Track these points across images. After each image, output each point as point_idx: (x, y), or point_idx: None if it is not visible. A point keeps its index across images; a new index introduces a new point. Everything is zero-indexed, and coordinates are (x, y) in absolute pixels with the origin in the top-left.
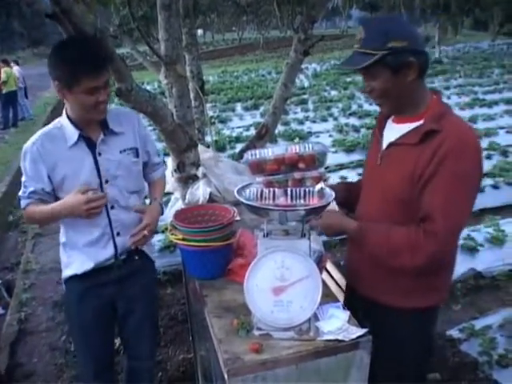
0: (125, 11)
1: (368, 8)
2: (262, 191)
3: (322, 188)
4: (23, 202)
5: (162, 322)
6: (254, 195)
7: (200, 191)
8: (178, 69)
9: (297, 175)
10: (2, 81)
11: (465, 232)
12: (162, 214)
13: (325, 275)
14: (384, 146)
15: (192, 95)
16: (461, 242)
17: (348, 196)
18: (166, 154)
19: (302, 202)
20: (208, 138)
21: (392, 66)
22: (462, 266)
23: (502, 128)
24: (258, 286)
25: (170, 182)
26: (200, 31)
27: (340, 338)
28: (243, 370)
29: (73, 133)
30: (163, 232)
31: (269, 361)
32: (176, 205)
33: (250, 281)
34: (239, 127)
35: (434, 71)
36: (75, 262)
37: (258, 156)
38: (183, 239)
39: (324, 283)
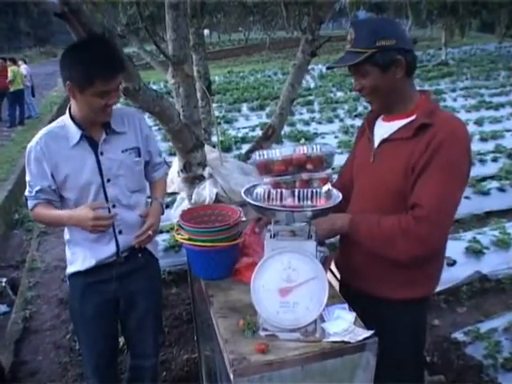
0: (132, 11)
1: (374, 9)
2: (269, 192)
3: (329, 189)
4: (30, 203)
5: (167, 322)
6: (261, 196)
7: (206, 191)
8: (186, 69)
9: (304, 176)
10: (9, 79)
11: (470, 235)
12: (163, 213)
13: (329, 275)
14: (376, 143)
15: (199, 95)
16: (466, 244)
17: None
18: (173, 154)
19: (310, 203)
20: (214, 138)
21: (380, 63)
22: (467, 268)
23: (508, 131)
24: (265, 287)
25: (176, 181)
26: (206, 31)
27: (346, 339)
28: (249, 371)
29: (75, 132)
30: (168, 232)
31: (275, 361)
32: (182, 205)
33: (257, 281)
34: (245, 128)
35: (441, 73)
36: (78, 259)
37: (265, 157)
38: (189, 239)
39: (330, 284)
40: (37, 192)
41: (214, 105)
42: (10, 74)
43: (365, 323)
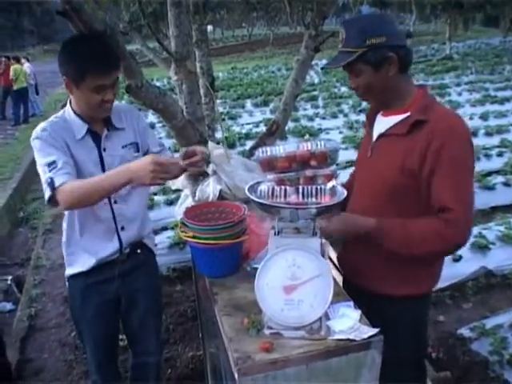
0: (134, 8)
1: (378, 4)
2: (273, 189)
3: (333, 186)
4: (59, 179)
5: (172, 319)
6: (264, 193)
7: (210, 188)
8: (188, 65)
9: (308, 173)
10: (11, 78)
11: (476, 230)
12: None
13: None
14: (374, 138)
15: (202, 91)
16: (472, 239)
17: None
18: (177, 151)
19: (314, 200)
20: (218, 135)
21: (372, 62)
22: (472, 264)
23: None
24: (269, 285)
25: (180, 178)
26: (210, 27)
27: (351, 337)
28: (253, 370)
29: (81, 126)
30: (173, 228)
31: (279, 360)
32: (186, 202)
33: (261, 279)
34: (249, 124)
35: (445, 68)
36: (78, 260)
37: (269, 153)
38: (193, 237)
39: (334, 281)
40: (63, 164)
41: (218, 101)
42: (11, 73)
43: (368, 319)
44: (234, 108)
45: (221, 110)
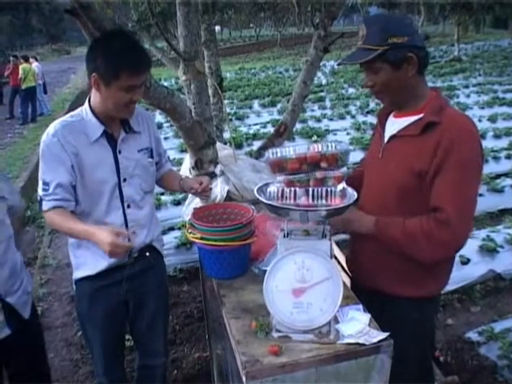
0: (143, 7)
1: (386, 5)
2: (282, 190)
3: (344, 188)
4: (46, 204)
5: (178, 320)
6: (274, 194)
7: (218, 189)
8: (197, 65)
9: (319, 175)
10: (20, 77)
11: (484, 233)
12: None
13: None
14: (386, 139)
15: (210, 92)
16: (480, 242)
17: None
18: (184, 151)
19: (324, 202)
20: (226, 135)
21: (392, 61)
22: (481, 267)
23: None
24: (278, 287)
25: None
26: (217, 28)
27: (361, 341)
28: (262, 373)
29: (97, 128)
30: (180, 229)
31: (288, 364)
32: (193, 202)
33: (270, 282)
34: (256, 124)
35: (453, 69)
36: (86, 263)
37: (278, 154)
38: (201, 238)
39: (344, 285)
40: (54, 188)
41: (226, 101)
42: (20, 72)
43: (376, 321)
44: (241, 108)
45: (228, 110)
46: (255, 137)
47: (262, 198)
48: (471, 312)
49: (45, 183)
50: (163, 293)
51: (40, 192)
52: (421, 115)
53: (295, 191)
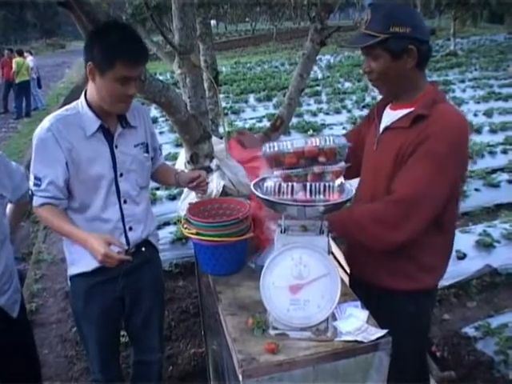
0: (138, 0)
1: None
2: (279, 185)
3: (342, 183)
4: (37, 200)
5: (174, 316)
6: (271, 189)
7: (213, 184)
8: (192, 58)
9: (316, 169)
10: (13, 71)
11: (480, 228)
12: None
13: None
14: (380, 131)
15: (206, 85)
16: (476, 237)
17: None
18: (179, 145)
19: (322, 197)
20: (222, 129)
21: (392, 50)
22: (477, 262)
23: None
24: (275, 284)
25: None
26: (213, 22)
27: (359, 339)
28: (258, 372)
29: (93, 122)
30: (175, 223)
31: (285, 362)
32: (189, 197)
33: (266, 278)
34: (252, 118)
35: (449, 64)
36: (82, 259)
37: (275, 149)
38: (196, 234)
39: (342, 281)
40: (47, 185)
41: (221, 95)
42: (14, 66)
43: (374, 315)
44: (237, 103)
45: (224, 104)
46: (251, 131)
47: (258, 193)
48: (468, 307)
49: (37, 178)
50: (159, 288)
51: (31, 186)
52: (413, 108)
53: (292, 186)
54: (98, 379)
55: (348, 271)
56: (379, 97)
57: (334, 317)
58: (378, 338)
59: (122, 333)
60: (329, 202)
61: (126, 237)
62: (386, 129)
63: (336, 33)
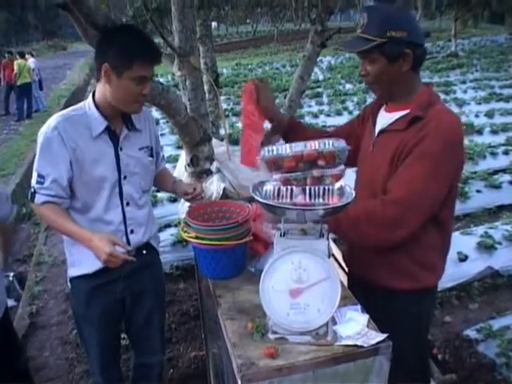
0: (139, 3)
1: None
2: (278, 189)
3: (341, 186)
4: (39, 197)
5: (174, 318)
6: (270, 193)
7: (214, 186)
8: (192, 61)
9: (316, 173)
10: (15, 73)
11: (482, 229)
12: None
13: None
14: (376, 133)
15: (206, 88)
16: (478, 239)
17: (291, 134)
18: (180, 148)
19: (321, 200)
20: (222, 132)
21: (388, 54)
22: (479, 264)
23: None
24: (274, 288)
25: (183, 176)
26: (214, 24)
27: (359, 343)
28: (258, 376)
29: (100, 123)
30: (176, 226)
31: (284, 366)
32: None
33: (266, 282)
34: None
35: (450, 65)
36: (84, 260)
37: (274, 152)
38: (196, 237)
39: (342, 285)
40: (50, 183)
41: (222, 97)
42: (15, 68)
43: (368, 313)
44: (238, 104)
45: (225, 106)
46: None
47: (257, 197)
48: (469, 309)
49: (40, 176)
50: (160, 290)
51: (34, 183)
52: (408, 110)
53: (292, 190)
54: (99, 382)
55: (346, 270)
56: None
57: (333, 321)
58: (378, 343)
59: (123, 335)
60: (328, 205)
61: (128, 239)
62: (382, 131)
63: (337, 34)
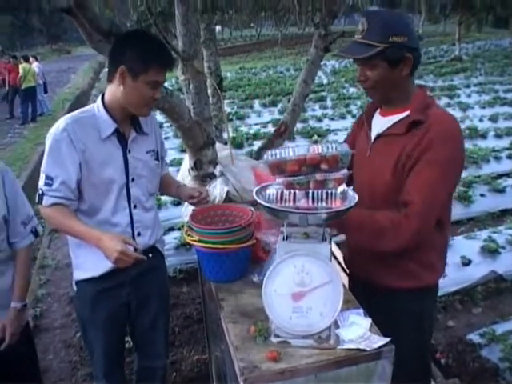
0: (143, 7)
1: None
2: (281, 193)
3: (344, 190)
4: (48, 199)
5: (178, 322)
6: (273, 197)
7: (217, 190)
8: (196, 65)
9: (319, 177)
10: (20, 76)
11: (485, 233)
12: None
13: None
14: (372, 138)
15: (210, 91)
16: (481, 243)
17: None
18: (183, 151)
19: (324, 204)
20: (226, 135)
21: (390, 59)
22: (482, 268)
23: None
24: (277, 291)
25: (187, 180)
26: (218, 27)
27: (361, 347)
28: (260, 380)
29: (109, 125)
30: (179, 229)
31: (287, 370)
32: None
33: (269, 285)
34: (257, 124)
35: (454, 69)
36: (90, 263)
37: (278, 156)
38: (199, 241)
39: (344, 288)
40: (59, 185)
41: (226, 101)
42: (20, 71)
43: (370, 314)
44: (242, 108)
45: (229, 110)
46: (256, 136)
47: (260, 201)
48: (472, 313)
49: (48, 177)
50: (165, 294)
51: (42, 185)
52: (406, 113)
53: (295, 193)
54: None
55: (347, 271)
56: None
57: (336, 324)
58: (380, 346)
59: (126, 339)
60: (331, 209)
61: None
62: (379, 136)
63: (341, 38)
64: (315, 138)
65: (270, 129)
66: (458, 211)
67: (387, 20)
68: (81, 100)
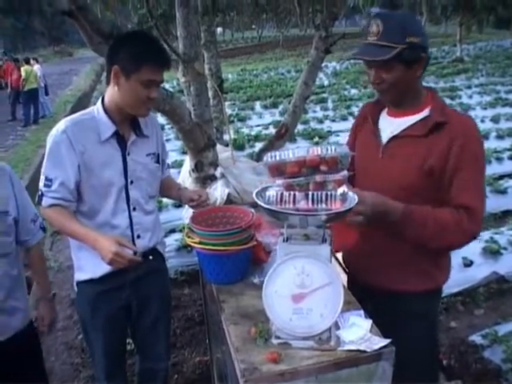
0: (144, 10)
1: (388, 6)
2: (281, 194)
3: (344, 191)
4: (47, 200)
5: (179, 324)
6: (273, 198)
7: (218, 192)
8: (197, 67)
9: (318, 178)
10: (22, 78)
11: (487, 234)
12: None
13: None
14: (384, 139)
15: (210, 93)
16: (483, 244)
17: None
18: (184, 153)
19: (324, 206)
20: (227, 137)
21: (407, 60)
22: (484, 269)
23: None
24: (277, 293)
25: (188, 182)
26: (219, 29)
27: (362, 348)
28: (261, 381)
29: (108, 127)
30: (181, 231)
31: (287, 372)
32: None
33: (269, 287)
34: (258, 125)
35: (456, 70)
36: (90, 265)
37: (277, 158)
38: (200, 243)
39: (344, 289)
40: (58, 186)
41: (227, 103)
42: (22, 74)
43: (375, 317)
44: (243, 110)
45: (230, 111)
46: (257, 138)
47: (260, 202)
48: (475, 315)
49: (48, 179)
50: (166, 296)
51: (41, 187)
52: (422, 114)
53: (294, 195)
54: None
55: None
56: None
57: (336, 326)
58: (381, 348)
59: (128, 340)
60: (331, 210)
61: (134, 244)
62: (395, 137)
63: (342, 40)
64: (316, 139)
65: (272, 130)
66: None
67: (403, 21)
68: (82, 102)
